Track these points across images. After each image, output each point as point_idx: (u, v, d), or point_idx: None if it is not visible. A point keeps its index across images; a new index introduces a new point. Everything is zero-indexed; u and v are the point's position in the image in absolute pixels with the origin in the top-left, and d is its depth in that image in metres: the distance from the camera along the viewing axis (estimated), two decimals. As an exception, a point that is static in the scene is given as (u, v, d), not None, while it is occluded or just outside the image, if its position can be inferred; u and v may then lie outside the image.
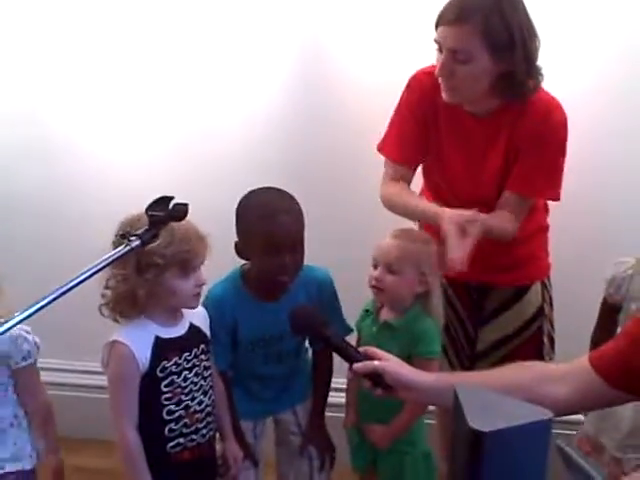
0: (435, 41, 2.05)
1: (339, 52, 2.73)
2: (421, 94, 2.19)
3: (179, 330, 1.96)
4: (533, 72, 2.05)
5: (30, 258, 3.00)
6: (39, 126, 3.00)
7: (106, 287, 1.85)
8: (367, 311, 2.19)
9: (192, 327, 1.99)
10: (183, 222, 1.66)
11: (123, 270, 1.81)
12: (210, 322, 2.05)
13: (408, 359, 2.05)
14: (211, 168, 2.88)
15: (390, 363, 1.59)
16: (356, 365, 1.60)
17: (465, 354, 2.40)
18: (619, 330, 2.09)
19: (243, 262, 2.14)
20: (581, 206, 2.59)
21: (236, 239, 2.07)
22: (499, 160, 2.16)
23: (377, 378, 1.57)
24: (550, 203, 2.31)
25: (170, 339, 1.92)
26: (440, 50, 2.05)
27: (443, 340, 2.31)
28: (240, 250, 2.07)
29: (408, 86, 2.23)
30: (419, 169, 2.32)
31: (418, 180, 2.34)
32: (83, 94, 2.96)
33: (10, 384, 2.02)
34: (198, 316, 2.02)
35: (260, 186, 2.09)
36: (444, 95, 2.10)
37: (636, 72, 2.56)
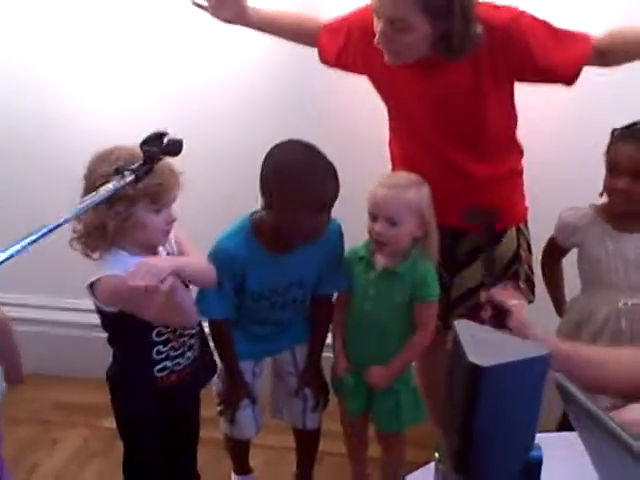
0: (372, 8, 1.99)
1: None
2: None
3: None
4: (472, 32, 1.96)
5: (24, 198, 2.99)
6: (33, 75, 2.96)
7: (78, 220, 1.83)
8: (361, 258, 2.18)
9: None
10: None
11: None
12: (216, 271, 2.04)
13: (410, 304, 2.11)
14: (203, 114, 2.85)
15: (522, 309, 1.54)
16: (495, 289, 1.58)
17: (440, 301, 2.30)
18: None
19: (248, 212, 2.14)
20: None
21: (257, 190, 2.04)
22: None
23: (500, 314, 1.54)
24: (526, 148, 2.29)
25: None
26: (378, 16, 1.99)
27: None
28: (269, 203, 2.02)
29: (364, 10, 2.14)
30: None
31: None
32: (72, 42, 2.90)
33: None
34: (168, 244, 2.01)
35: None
36: (386, 57, 2.04)
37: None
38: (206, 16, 2.30)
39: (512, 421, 1.04)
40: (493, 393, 1.00)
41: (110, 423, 2.16)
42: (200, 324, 2.11)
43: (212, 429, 2.31)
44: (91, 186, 1.73)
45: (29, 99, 2.96)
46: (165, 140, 1.59)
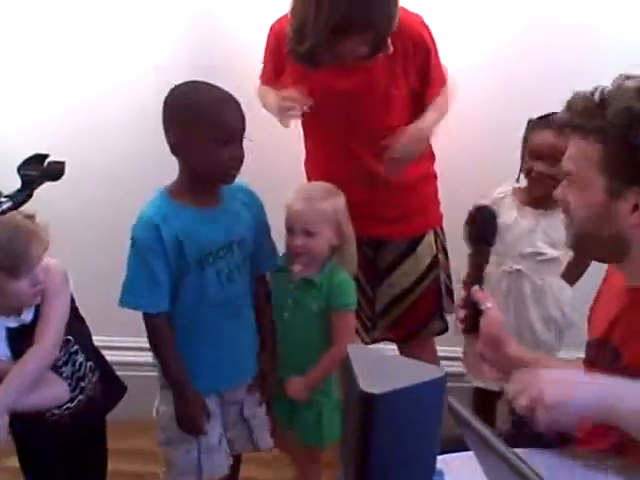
0: None
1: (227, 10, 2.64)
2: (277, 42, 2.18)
3: (28, 315, 1.83)
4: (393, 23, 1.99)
5: None
6: None
7: None
8: (280, 269, 2.14)
9: (37, 308, 1.85)
10: (11, 217, 1.53)
11: None
12: (139, 256, 1.83)
13: (327, 314, 2.10)
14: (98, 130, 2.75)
15: (499, 314, 1.52)
16: (475, 288, 1.53)
17: (366, 315, 2.35)
18: None
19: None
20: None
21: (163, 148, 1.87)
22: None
23: (474, 313, 1.52)
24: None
25: (24, 326, 1.81)
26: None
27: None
28: (178, 149, 1.84)
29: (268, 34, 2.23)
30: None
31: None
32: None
33: None
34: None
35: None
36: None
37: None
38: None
39: (411, 448, 1.00)
40: (389, 421, 0.95)
41: (15, 462, 2.03)
42: (94, 350, 1.99)
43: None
44: None
45: None
46: (45, 163, 1.51)
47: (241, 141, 1.84)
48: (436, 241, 2.34)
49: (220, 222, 1.90)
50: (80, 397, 1.90)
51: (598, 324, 1.48)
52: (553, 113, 2.18)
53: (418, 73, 2.14)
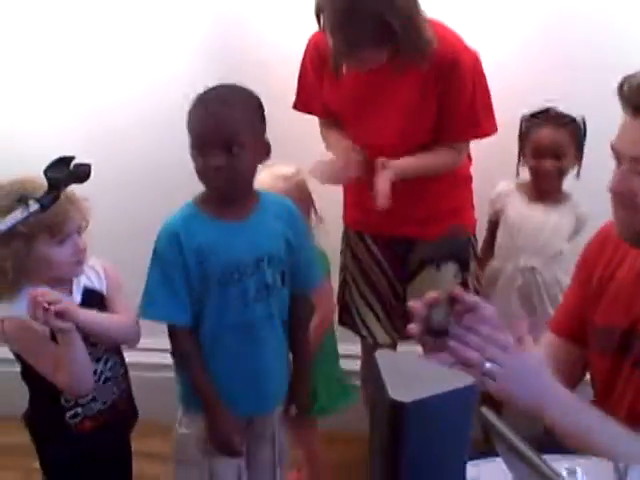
0: None
1: (256, 17, 2.63)
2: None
3: (73, 298, 1.82)
4: (420, 44, 1.98)
5: None
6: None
7: None
8: None
9: (87, 291, 1.86)
10: None
11: None
12: (158, 266, 1.77)
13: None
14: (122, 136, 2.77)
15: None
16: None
17: (395, 313, 2.36)
18: None
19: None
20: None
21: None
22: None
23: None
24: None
25: None
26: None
27: (372, 301, 2.29)
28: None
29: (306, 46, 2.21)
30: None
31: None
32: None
33: None
34: (90, 276, 1.89)
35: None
36: None
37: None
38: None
39: (442, 455, 0.98)
40: (419, 429, 0.93)
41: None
42: (124, 362, 1.98)
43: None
44: None
45: None
46: (71, 166, 1.50)
47: (220, 150, 1.68)
48: (468, 247, 2.31)
49: (247, 237, 1.78)
50: (103, 402, 1.89)
51: (616, 311, 1.44)
52: (547, 109, 2.31)
53: (440, 102, 2.08)
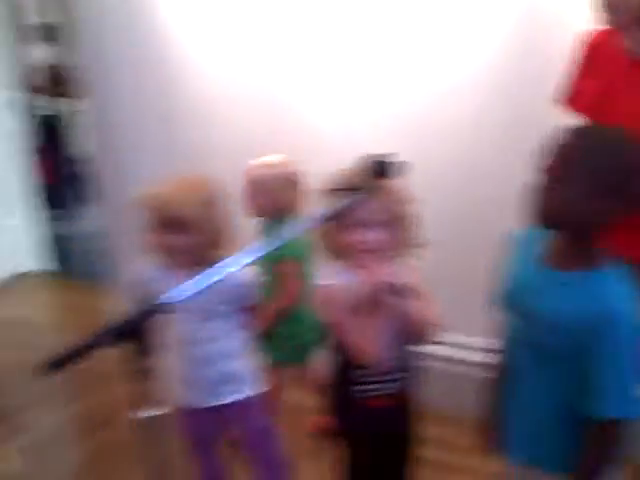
0: None
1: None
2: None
3: None
4: None
5: None
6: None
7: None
8: None
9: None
10: None
11: None
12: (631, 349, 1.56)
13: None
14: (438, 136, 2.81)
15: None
16: None
17: None
18: None
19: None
20: None
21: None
22: None
23: None
24: None
25: None
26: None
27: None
28: None
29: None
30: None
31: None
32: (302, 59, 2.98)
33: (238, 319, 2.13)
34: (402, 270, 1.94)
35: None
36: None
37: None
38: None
39: None
40: None
41: None
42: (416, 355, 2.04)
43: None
44: (323, 200, 1.76)
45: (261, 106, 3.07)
46: (388, 162, 1.63)
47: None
48: None
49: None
50: (388, 387, 1.96)
51: None
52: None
53: None
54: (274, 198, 2.51)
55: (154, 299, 1.36)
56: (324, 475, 2.38)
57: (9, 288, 4.46)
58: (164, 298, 1.35)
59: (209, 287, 1.42)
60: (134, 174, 3.42)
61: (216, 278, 1.43)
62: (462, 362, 2.90)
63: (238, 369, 2.13)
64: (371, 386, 1.95)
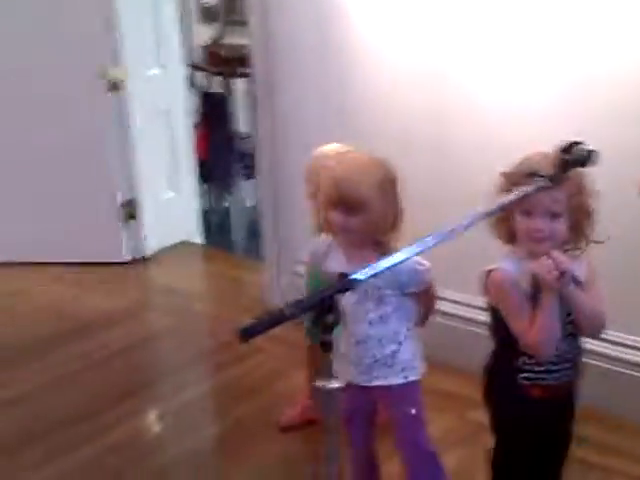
0: None
1: None
2: None
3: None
4: None
5: (425, 193, 2.98)
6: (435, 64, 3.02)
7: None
8: None
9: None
10: None
11: None
12: None
13: None
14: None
15: None
16: None
17: None
18: None
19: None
20: None
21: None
22: None
23: None
24: None
25: None
26: None
27: None
28: None
29: None
30: None
31: None
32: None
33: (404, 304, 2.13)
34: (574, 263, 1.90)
35: None
36: None
37: None
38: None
39: None
40: None
41: (477, 415, 2.19)
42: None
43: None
44: (506, 185, 1.77)
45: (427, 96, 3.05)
46: (577, 149, 1.60)
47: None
48: None
49: None
50: (555, 377, 1.94)
51: None
52: None
53: None
54: None
55: (341, 276, 1.40)
56: (474, 464, 2.40)
57: (169, 257, 4.65)
58: (352, 275, 1.39)
59: (387, 269, 1.45)
60: (296, 150, 3.48)
61: (395, 261, 1.47)
62: (622, 361, 2.83)
63: (399, 353, 2.14)
64: (537, 375, 1.93)
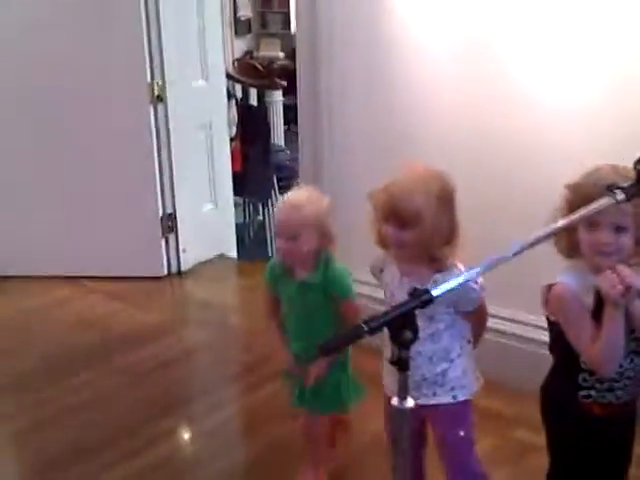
0: None
1: None
2: None
3: None
4: None
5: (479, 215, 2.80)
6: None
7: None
8: (280, 274, 2.38)
9: None
10: None
11: None
12: None
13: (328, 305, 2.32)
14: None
15: None
16: None
17: None
18: None
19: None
20: None
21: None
22: None
23: None
24: None
25: None
26: None
27: None
28: None
29: None
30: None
31: None
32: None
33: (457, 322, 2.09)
34: None
35: None
36: None
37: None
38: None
39: None
40: None
41: (521, 434, 2.15)
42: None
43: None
44: (573, 198, 1.74)
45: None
46: (656, 161, 1.56)
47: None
48: None
49: None
50: (617, 396, 1.90)
51: None
52: None
53: None
54: None
55: (414, 291, 1.36)
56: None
57: (204, 270, 4.64)
58: (428, 292, 1.34)
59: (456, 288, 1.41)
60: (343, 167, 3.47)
61: (465, 278, 1.45)
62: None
63: (449, 371, 2.10)
64: (598, 393, 1.89)
